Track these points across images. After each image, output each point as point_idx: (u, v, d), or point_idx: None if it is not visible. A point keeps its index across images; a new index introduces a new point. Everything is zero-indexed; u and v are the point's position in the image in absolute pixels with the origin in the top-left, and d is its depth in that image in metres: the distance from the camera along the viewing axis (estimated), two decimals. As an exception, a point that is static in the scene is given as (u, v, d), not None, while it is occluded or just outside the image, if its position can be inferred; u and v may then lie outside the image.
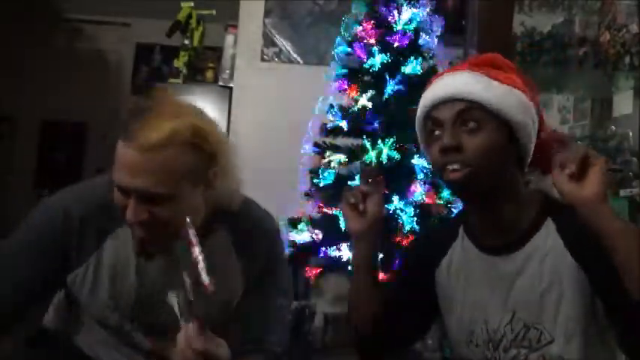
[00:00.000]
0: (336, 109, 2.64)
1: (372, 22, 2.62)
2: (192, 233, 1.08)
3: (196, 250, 1.06)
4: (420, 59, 2.56)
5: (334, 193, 2.55)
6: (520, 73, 1.25)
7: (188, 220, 1.10)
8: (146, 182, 1.14)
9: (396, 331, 1.34)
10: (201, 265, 1.05)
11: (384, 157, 2.47)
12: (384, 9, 2.63)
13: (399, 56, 2.58)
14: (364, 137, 2.54)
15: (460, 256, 1.30)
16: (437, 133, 1.19)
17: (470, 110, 1.16)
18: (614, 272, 1.03)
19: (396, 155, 2.47)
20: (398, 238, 2.40)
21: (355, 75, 2.64)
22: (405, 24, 2.61)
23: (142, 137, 1.13)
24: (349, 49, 2.66)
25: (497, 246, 1.22)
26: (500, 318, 1.20)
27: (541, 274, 1.16)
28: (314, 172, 2.62)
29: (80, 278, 1.30)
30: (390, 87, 2.54)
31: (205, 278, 1.04)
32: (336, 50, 2.73)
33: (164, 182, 1.15)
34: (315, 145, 2.65)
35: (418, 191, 2.46)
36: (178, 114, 1.19)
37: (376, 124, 2.53)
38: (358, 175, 2.48)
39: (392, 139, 2.48)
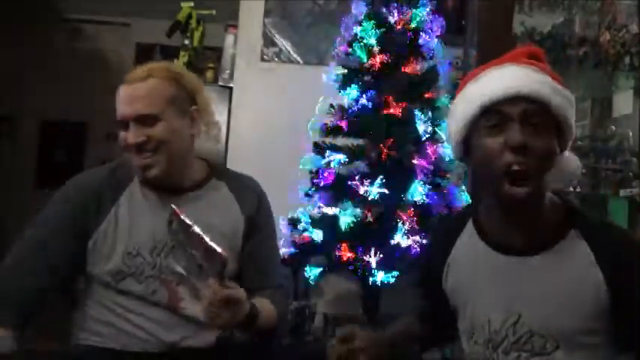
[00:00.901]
0: (336, 109, 2.64)
1: (372, 22, 2.61)
2: (183, 216, 1.26)
3: (196, 228, 1.23)
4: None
5: (334, 193, 2.56)
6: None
7: (174, 206, 1.30)
8: (138, 106, 1.47)
9: (435, 335, 1.42)
10: (207, 239, 1.21)
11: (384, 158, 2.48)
12: (384, 9, 2.63)
13: (399, 56, 2.58)
14: (364, 137, 2.55)
15: (467, 250, 1.28)
16: (496, 129, 1.13)
17: (536, 110, 1.11)
18: None
19: (396, 155, 2.47)
20: (398, 239, 2.40)
21: (355, 75, 2.64)
22: (405, 24, 2.61)
23: (131, 75, 1.52)
24: (349, 49, 2.66)
25: (514, 246, 1.19)
26: (503, 319, 1.18)
27: (559, 283, 1.14)
28: (314, 172, 2.62)
29: (101, 237, 1.49)
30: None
31: (218, 248, 1.20)
32: (336, 50, 2.73)
33: (152, 105, 1.47)
34: (315, 145, 2.65)
35: (418, 191, 2.45)
36: (158, 62, 1.58)
37: (376, 124, 2.53)
38: (358, 176, 2.48)
39: (392, 139, 2.48)
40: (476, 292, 1.24)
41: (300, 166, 2.67)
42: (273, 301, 1.57)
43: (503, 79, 1.13)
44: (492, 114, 1.13)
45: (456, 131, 1.20)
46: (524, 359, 1.16)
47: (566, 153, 1.20)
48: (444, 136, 2.51)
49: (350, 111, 2.60)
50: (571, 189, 2.64)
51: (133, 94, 1.48)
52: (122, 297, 1.49)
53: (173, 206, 1.30)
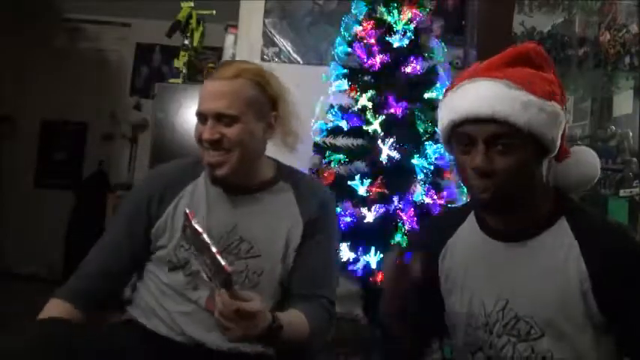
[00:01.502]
0: (336, 109, 2.65)
1: (372, 22, 2.62)
2: (194, 222, 1.23)
3: (205, 237, 1.20)
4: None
5: (334, 193, 2.55)
6: (553, 65, 1.20)
7: (187, 211, 1.28)
8: (220, 104, 1.46)
9: (424, 333, 1.38)
10: (214, 250, 1.18)
11: (384, 157, 2.48)
12: (384, 9, 2.63)
13: (399, 56, 2.59)
14: (364, 137, 2.55)
15: (466, 238, 1.30)
16: (467, 148, 1.15)
17: (503, 130, 1.10)
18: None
19: (396, 155, 2.47)
20: (398, 239, 2.41)
21: (355, 75, 2.64)
22: (405, 24, 2.61)
23: (219, 71, 1.50)
24: (349, 49, 2.66)
25: (504, 232, 1.21)
26: (494, 303, 1.21)
27: (543, 271, 1.16)
28: (314, 172, 2.62)
29: (162, 226, 1.52)
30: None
31: (222, 261, 1.17)
32: (336, 50, 2.73)
33: (233, 106, 1.46)
34: (315, 145, 2.65)
35: (418, 191, 2.46)
36: (248, 62, 1.58)
37: (376, 124, 2.53)
38: (358, 176, 2.49)
39: (392, 139, 2.48)
40: (472, 276, 1.26)
41: (301, 166, 2.67)
42: (310, 314, 1.47)
43: (471, 99, 1.13)
44: (461, 134, 1.16)
45: (441, 135, 1.25)
46: (512, 344, 1.18)
47: (579, 154, 1.21)
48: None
49: (350, 111, 2.60)
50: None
51: (217, 91, 1.47)
52: (166, 287, 1.51)
53: (186, 210, 1.29)
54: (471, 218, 1.31)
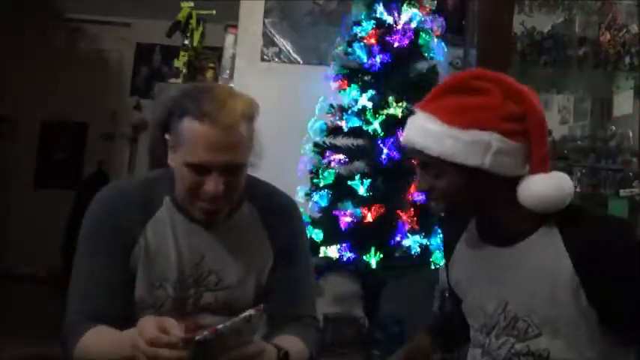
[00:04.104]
0: (336, 109, 2.65)
1: (372, 22, 2.62)
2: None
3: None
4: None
5: (334, 193, 2.56)
6: (506, 82, 1.21)
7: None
8: (231, 155, 1.28)
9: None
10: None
11: (384, 158, 2.48)
12: (384, 9, 2.63)
13: (399, 56, 2.59)
14: (364, 137, 2.55)
15: (468, 244, 1.34)
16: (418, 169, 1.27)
17: (429, 160, 1.20)
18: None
19: (396, 155, 2.48)
20: (398, 239, 2.41)
21: (355, 75, 2.64)
22: (405, 24, 2.61)
23: (225, 118, 1.26)
24: (349, 49, 2.66)
25: (496, 236, 1.25)
26: (495, 305, 1.24)
27: (535, 271, 1.18)
28: (314, 172, 2.62)
29: (135, 257, 1.38)
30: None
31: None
32: (336, 50, 2.73)
33: (244, 154, 1.32)
34: (315, 145, 2.65)
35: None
36: (235, 93, 1.36)
37: (376, 124, 2.53)
38: (358, 176, 2.49)
39: (392, 139, 2.48)
40: (473, 281, 1.30)
41: (300, 166, 2.67)
42: (303, 336, 1.39)
43: (406, 130, 1.25)
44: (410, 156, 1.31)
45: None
46: (511, 344, 1.21)
47: (532, 180, 1.18)
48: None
49: (350, 111, 2.60)
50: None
51: (226, 141, 1.27)
52: None
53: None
54: (472, 224, 1.33)
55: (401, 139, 1.28)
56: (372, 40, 2.60)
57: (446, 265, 1.43)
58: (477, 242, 1.30)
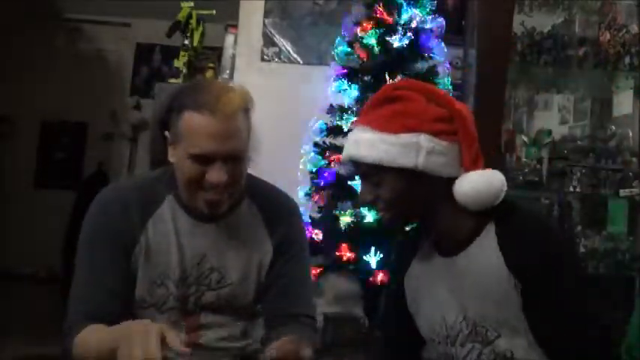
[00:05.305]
0: (336, 109, 2.65)
1: (372, 22, 2.62)
2: None
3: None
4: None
5: (334, 193, 2.56)
6: (426, 88, 1.27)
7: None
8: (233, 145, 1.30)
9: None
10: None
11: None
12: (384, 9, 2.63)
13: (399, 56, 2.59)
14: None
15: (424, 258, 1.35)
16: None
17: (368, 169, 1.24)
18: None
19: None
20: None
21: (355, 75, 2.64)
22: (405, 24, 2.61)
23: (223, 107, 1.29)
24: (349, 49, 2.66)
25: (443, 246, 1.28)
26: (456, 314, 1.25)
27: (481, 275, 1.20)
28: (314, 172, 2.62)
29: (135, 257, 1.38)
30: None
31: None
32: (336, 50, 2.73)
33: (244, 143, 1.33)
34: (315, 145, 2.65)
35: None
36: (231, 86, 1.40)
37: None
38: (358, 176, 2.48)
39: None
40: (430, 294, 1.31)
41: (300, 166, 2.67)
42: (304, 336, 1.36)
43: (347, 143, 1.29)
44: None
45: None
46: (478, 349, 1.22)
47: (467, 179, 1.21)
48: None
49: (350, 111, 2.60)
50: (571, 189, 2.65)
51: (228, 131, 1.29)
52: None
53: None
54: (425, 242, 1.35)
55: (344, 149, 1.30)
56: (372, 40, 2.60)
57: (393, 290, 1.41)
58: (431, 256, 1.31)
